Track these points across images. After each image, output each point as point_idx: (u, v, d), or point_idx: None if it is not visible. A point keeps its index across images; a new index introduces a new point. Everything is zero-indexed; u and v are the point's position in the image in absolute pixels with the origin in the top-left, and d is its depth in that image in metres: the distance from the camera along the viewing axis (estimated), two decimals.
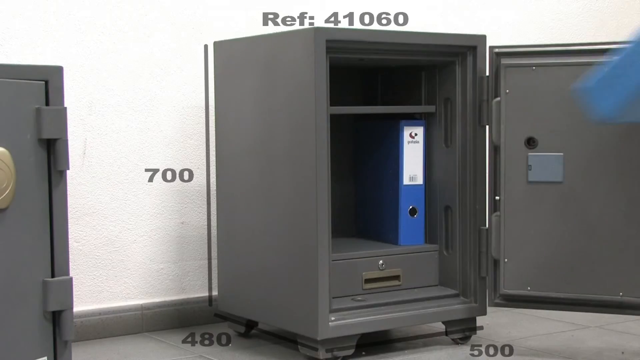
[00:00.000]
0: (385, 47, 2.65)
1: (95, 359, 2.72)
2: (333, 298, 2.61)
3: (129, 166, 3.02)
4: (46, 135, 2.11)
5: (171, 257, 3.11)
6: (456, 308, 2.79)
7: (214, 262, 3.15)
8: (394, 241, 2.89)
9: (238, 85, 2.82)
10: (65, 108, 2.14)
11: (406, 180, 2.87)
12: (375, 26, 3.39)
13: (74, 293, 2.36)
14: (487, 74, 2.76)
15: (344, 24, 3.35)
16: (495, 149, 2.75)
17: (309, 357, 2.62)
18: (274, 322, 2.74)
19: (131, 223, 3.03)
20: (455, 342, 2.84)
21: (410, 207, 2.89)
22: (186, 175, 3.13)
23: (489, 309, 2.89)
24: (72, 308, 2.17)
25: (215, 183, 3.04)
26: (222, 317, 3.06)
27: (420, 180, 2.89)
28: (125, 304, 3.02)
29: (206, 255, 3.17)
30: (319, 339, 2.55)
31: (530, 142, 2.71)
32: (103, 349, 2.83)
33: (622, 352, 2.69)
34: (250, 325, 2.92)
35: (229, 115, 2.87)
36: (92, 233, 2.96)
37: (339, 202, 3.06)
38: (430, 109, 2.89)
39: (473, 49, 2.77)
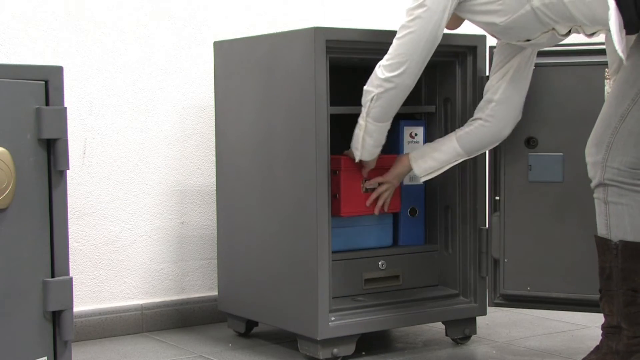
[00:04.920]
0: (385, 47, 2.64)
1: (95, 359, 2.72)
2: (333, 298, 2.61)
3: (129, 166, 3.02)
4: (46, 135, 2.11)
5: (171, 257, 3.11)
6: (456, 308, 2.79)
7: (214, 262, 3.15)
8: (394, 241, 2.88)
9: (238, 85, 2.82)
10: (65, 108, 2.14)
11: (406, 180, 2.87)
12: (376, 26, 3.39)
13: (74, 293, 2.36)
14: (487, 74, 2.76)
15: (344, 24, 3.35)
16: (495, 149, 2.74)
17: (309, 357, 2.62)
18: (274, 322, 2.74)
19: (131, 223, 3.03)
20: (455, 342, 2.84)
21: (410, 207, 2.89)
22: (186, 175, 3.13)
23: (489, 309, 2.89)
24: (72, 308, 2.17)
25: (215, 183, 3.04)
26: (222, 317, 3.06)
27: (420, 180, 2.89)
28: (125, 304, 3.02)
29: (206, 255, 3.16)
30: (319, 339, 2.55)
31: (530, 142, 2.71)
32: (103, 349, 2.83)
33: None
34: (250, 325, 2.92)
35: (229, 115, 2.86)
36: (92, 233, 2.96)
37: None
38: (430, 109, 2.89)
39: (473, 49, 2.77)
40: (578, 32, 2.36)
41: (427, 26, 2.39)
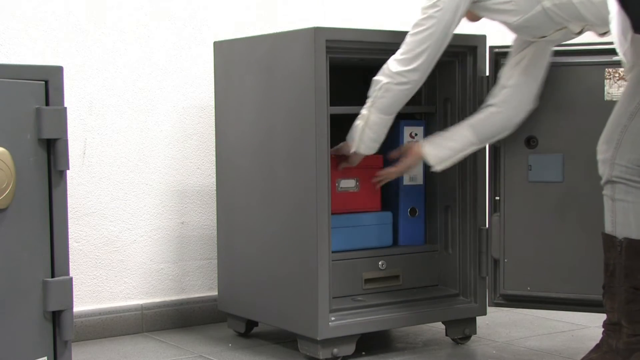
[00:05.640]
0: (385, 47, 2.64)
1: (95, 359, 2.72)
2: (333, 298, 2.61)
3: (129, 166, 3.02)
4: (46, 135, 2.11)
5: (171, 257, 3.11)
6: (456, 308, 2.79)
7: (214, 262, 3.15)
8: (394, 241, 2.88)
9: (238, 85, 2.82)
10: (65, 108, 2.14)
11: (406, 180, 2.87)
12: (375, 26, 3.39)
13: (74, 293, 2.36)
14: (487, 74, 2.76)
15: (344, 24, 3.35)
16: (495, 149, 2.74)
17: (309, 357, 2.62)
18: (274, 322, 2.74)
19: (131, 223, 3.03)
20: (455, 342, 2.84)
21: (410, 207, 2.89)
22: (186, 175, 3.13)
23: (489, 309, 2.89)
24: (72, 308, 2.17)
25: (215, 183, 3.04)
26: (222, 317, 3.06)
27: (420, 180, 2.89)
28: (125, 304, 3.02)
29: (206, 255, 3.16)
30: (318, 339, 2.55)
31: (530, 142, 2.70)
32: (103, 349, 2.83)
33: None
34: (250, 325, 2.92)
35: (229, 115, 2.86)
36: (92, 233, 2.96)
37: None
38: (430, 109, 2.89)
39: (473, 49, 2.77)
40: (590, 31, 2.37)
41: (439, 25, 2.43)
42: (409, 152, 2.70)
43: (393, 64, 2.48)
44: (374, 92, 2.52)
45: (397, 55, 2.48)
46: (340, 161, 2.73)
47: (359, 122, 2.58)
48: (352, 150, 2.63)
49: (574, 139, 2.64)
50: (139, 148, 3.04)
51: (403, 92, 2.49)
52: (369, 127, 2.56)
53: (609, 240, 2.31)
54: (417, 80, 2.48)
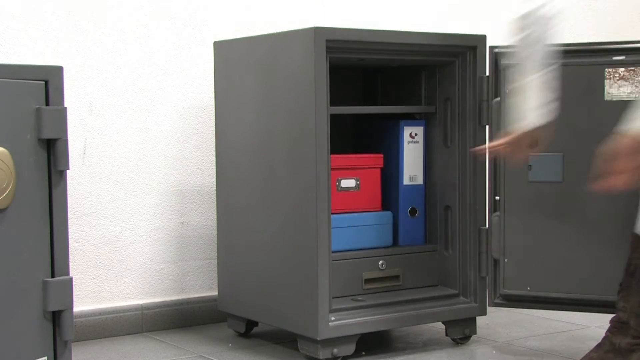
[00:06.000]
0: (385, 47, 2.65)
1: (95, 359, 2.72)
2: (333, 298, 2.61)
3: (129, 166, 3.02)
4: (46, 135, 2.11)
5: (171, 257, 3.11)
6: (456, 308, 2.79)
7: (214, 262, 3.15)
8: (394, 241, 2.88)
9: (238, 85, 2.82)
10: (65, 108, 2.14)
11: (406, 180, 2.87)
12: (375, 26, 3.39)
13: (74, 293, 2.36)
14: (487, 74, 2.76)
15: (344, 24, 3.35)
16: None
17: (309, 357, 2.62)
18: (274, 322, 2.74)
19: (131, 223, 3.03)
20: (455, 342, 2.84)
21: (410, 207, 2.89)
22: (186, 175, 3.13)
23: (489, 309, 2.89)
24: (72, 308, 2.17)
25: (215, 183, 3.04)
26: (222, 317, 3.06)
27: (420, 180, 2.89)
28: (125, 304, 3.02)
29: (206, 255, 3.16)
30: (318, 339, 2.55)
31: None
32: (103, 349, 2.83)
33: None
34: (250, 325, 2.92)
35: (229, 115, 2.87)
36: (92, 233, 2.96)
37: None
38: (430, 109, 2.89)
39: (473, 49, 2.77)
40: None
41: None
42: (621, 149, 2.10)
43: (523, 7, 2.19)
44: (520, 54, 2.25)
45: (519, 2, 2.21)
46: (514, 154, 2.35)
47: (525, 94, 2.27)
48: (528, 129, 2.31)
49: (574, 139, 2.64)
50: (139, 148, 3.04)
51: (551, 30, 2.22)
52: (539, 91, 2.28)
53: (638, 241, 2.29)
54: (559, 7, 2.21)
